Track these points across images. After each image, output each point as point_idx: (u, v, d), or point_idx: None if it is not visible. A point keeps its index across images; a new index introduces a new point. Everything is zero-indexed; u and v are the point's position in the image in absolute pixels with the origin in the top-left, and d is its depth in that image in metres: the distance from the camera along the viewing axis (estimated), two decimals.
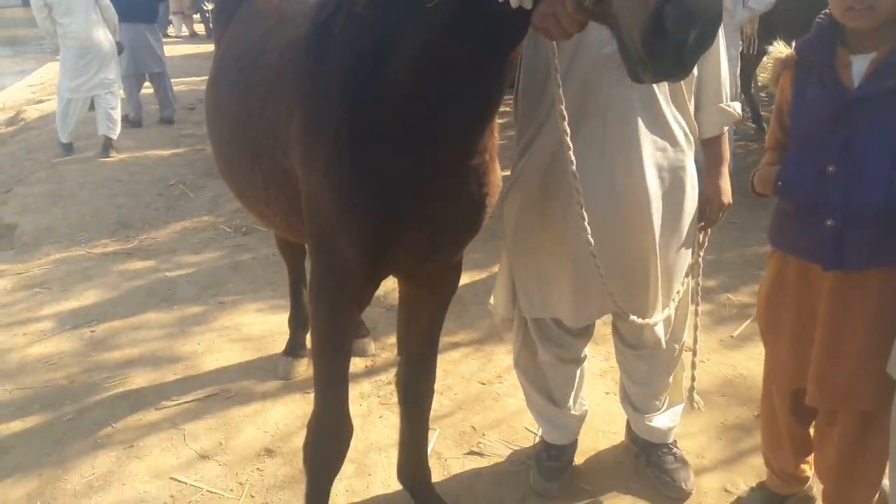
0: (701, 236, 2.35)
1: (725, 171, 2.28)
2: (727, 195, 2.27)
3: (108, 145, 6.90)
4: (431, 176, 1.73)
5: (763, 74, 6.61)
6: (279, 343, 3.41)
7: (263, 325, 3.68)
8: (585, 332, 2.45)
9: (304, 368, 3.26)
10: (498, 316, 2.53)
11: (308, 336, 3.32)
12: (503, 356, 3.35)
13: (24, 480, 2.63)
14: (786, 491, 2.35)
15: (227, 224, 5.19)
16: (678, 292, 2.34)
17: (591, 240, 1.95)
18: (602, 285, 2.04)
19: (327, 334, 1.92)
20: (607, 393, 3.07)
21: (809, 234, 1.95)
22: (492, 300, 2.52)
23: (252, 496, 2.55)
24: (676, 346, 2.46)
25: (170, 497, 2.55)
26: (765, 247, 4.19)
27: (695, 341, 2.46)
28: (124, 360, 3.37)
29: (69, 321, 3.75)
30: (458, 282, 2.17)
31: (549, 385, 2.53)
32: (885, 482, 2.34)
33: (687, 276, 2.37)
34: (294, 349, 3.31)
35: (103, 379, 3.22)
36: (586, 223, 1.94)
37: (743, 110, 3.47)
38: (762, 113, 6.98)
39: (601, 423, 2.87)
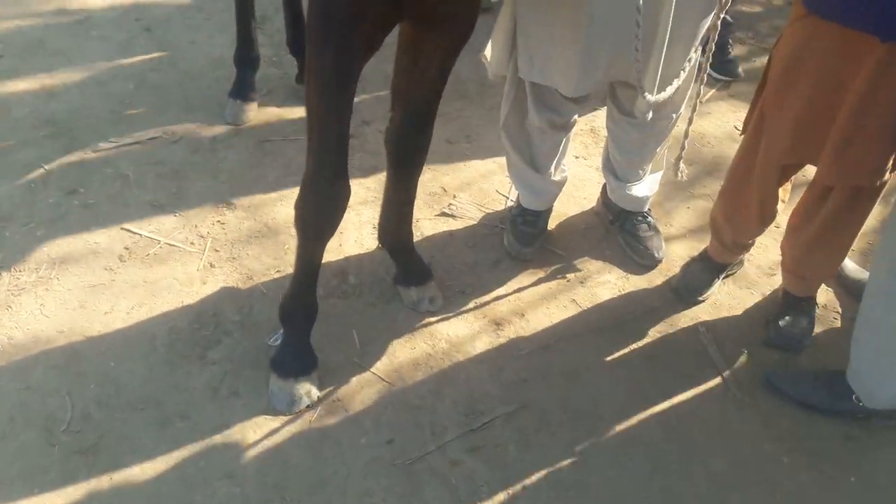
0: None
1: None
2: None
3: None
4: None
5: None
6: (223, 83, 3.06)
7: (204, 59, 3.29)
8: (584, 98, 2.28)
9: (253, 114, 2.98)
10: (490, 73, 2.29)
11: (256, 77, 3.02)
12: (470, 114, 3.16)
13: None
14: (727, 259, 2.42)
15: None
16: (689, 60, 2.12)
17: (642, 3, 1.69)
18: (636, 60, 1.82)
19: (329, 77, 1.62)
20: (577, 157, 2.99)
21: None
22: (486, 53, 2.25)
23: (216, 250, 2.42)
24: (674, 115, 2.34)
25: (125, 249, 2.39)
26: None
27: (693, 109, 2.28)
28: (44, 91, 2.97)
29: None
30: (474, 23, 1.83)
31: (533, 151, 2.41)
32: (847, 262, 2.47)
33: (702, 42, 2.16)
34: (242, 91, 2.98)
35: (24, 113, 2.84)
36: None
37: None
38: None
39: (571, 189, 2.81)
